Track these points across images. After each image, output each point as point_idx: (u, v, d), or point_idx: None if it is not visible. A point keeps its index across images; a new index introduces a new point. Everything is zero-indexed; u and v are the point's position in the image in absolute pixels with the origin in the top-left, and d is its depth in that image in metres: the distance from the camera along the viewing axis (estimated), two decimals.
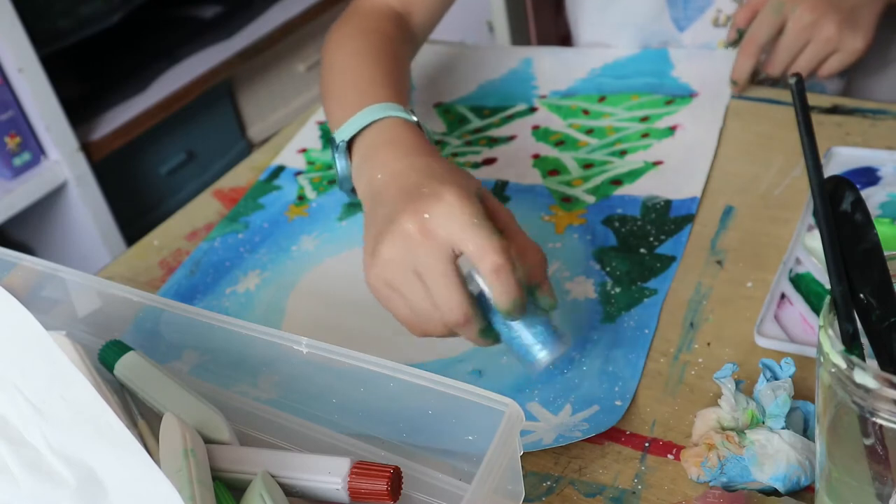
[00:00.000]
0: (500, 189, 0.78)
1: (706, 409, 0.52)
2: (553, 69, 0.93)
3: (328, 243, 0.76)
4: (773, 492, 0.49)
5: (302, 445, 0.54)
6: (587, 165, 0.79)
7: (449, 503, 0.50)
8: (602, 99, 0.87)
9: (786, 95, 0.82)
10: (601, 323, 0.63)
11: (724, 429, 0.51)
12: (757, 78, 0.86)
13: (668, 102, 0.84)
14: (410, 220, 0.54)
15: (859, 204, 0.39)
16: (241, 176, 0.88)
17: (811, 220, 0.66)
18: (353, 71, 0.71)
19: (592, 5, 0.99)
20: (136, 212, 1.62)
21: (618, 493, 0.51)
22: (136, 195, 1.66)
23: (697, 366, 0.58)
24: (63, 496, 0.41)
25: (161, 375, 0.55)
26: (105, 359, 0.57)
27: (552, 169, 0.79)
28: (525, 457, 0.51)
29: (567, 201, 0.75)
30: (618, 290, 0.65)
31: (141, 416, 0.54)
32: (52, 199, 1.47)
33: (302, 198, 0.82)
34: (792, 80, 0.38)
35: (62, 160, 1.43)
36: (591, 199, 0.75)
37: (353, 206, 0.79)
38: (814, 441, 0.49)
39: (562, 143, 0.82)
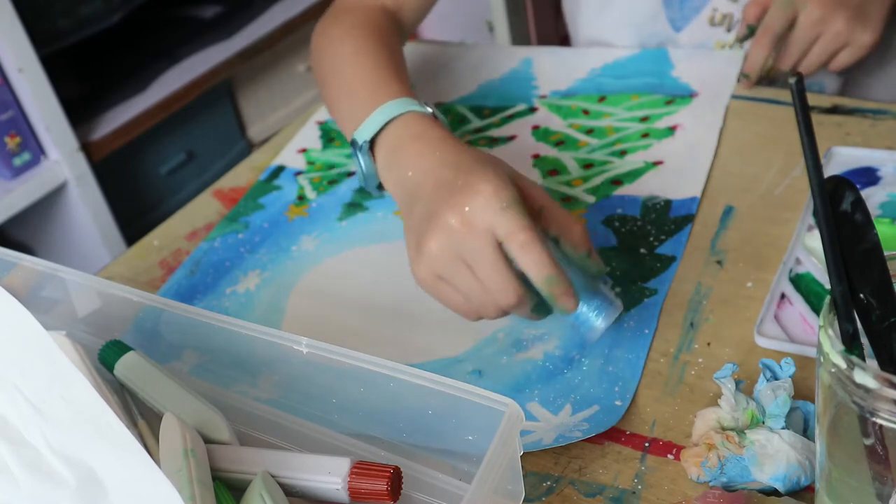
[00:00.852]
0: None
1: (706, 409, 0.52)
2: (553, 69, 0.93)
3: (328, 243, 0.76)
4: (773, 492, 0.49)
5: (302, 445, 0.54)
6: (587, 165, 0.79)
7: (449, 503, 0.50)
8: (602, 99, 0.87)
9: (786, 95, 0.82)
10: None
11: (724, 429, 0.51)
12: (769, 75, 0.86)
13: (668, 102, 0.84)
14: (451, 214, 0.55)
15: (859, 204, 0.39)
16: (241, 176, 0.88)
17: (811, 220, 0.66)
18: (359, 68, 0.72)
19: (590, 5, 0.99)
20: (136, 212, 1.62)
21: (618, 493, 0.51)
22: (136, 195, 1.66)
23: (697, 366, 0.58)
24: (63, 496, 0.41)
25: (161, 375, 0.55)
26: (105, 359, 0.57)
27: (552, 169, 0.79)
28: (525, 457, 0.51)
29: (567, 201, 0.75)
30: (618, 290, 0.65)
31: (141, 416, 0.54)
32: (52, 199, 1.47)
33: (302, 198, 0.82)
34: (792, 80, 0.38)
35: (62, 160, 1.43)
36: (591, 199, 0.75)
37: (353, 207, 0.79)
38: (814, 441, 0.49)
39: (562, 143, 0.82)
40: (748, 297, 0.62)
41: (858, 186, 0.40)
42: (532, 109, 0.88)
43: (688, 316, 0.62)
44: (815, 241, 0.63)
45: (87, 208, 1.48)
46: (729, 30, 0.92)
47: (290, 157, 0.88)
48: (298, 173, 0.86)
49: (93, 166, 1.47)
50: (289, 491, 0.49)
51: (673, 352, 0.60)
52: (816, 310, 0.59)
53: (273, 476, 0.48)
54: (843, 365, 0.38)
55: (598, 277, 0.59)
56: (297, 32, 1.83)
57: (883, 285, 0.40)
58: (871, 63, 0.90)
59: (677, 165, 0.76)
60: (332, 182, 0.83)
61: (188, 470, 0.46)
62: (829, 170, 0.71)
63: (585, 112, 0.86)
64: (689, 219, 0.70)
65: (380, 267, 0.72)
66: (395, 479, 0.48)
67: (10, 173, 1.39)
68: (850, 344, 0.40)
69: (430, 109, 0.66)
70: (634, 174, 0.76)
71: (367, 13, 0.80)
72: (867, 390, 0.37)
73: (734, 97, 0.83)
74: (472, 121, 0.88)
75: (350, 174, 0.84)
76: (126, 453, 0.39)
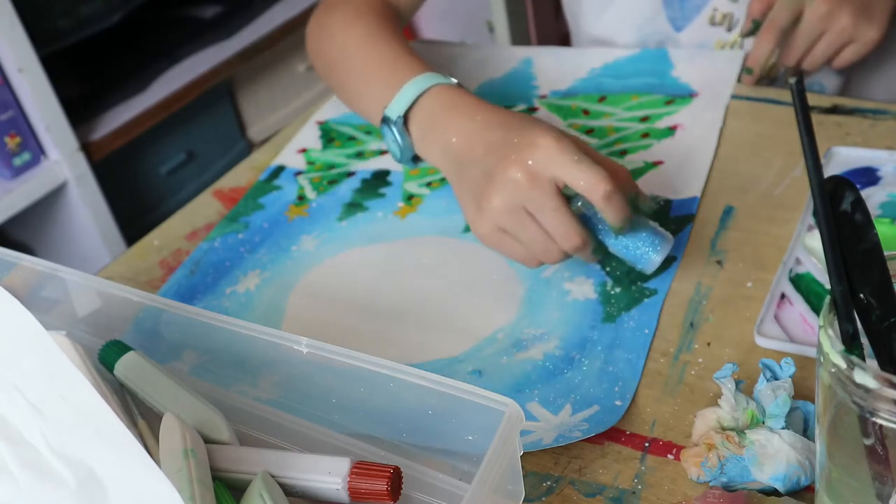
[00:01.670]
0: None
1: (706, 409, 0.52)
2: (553, 69, 0.93)
3: (328, 243, 0.76)
4: (773, 492, 0.49)
5: (302, 445, 0.54)
6: None
7: (449, 503, 0.50)
8: (602, 99, 0.87)
9: (786, 95, 0.82)
10: (601, 323, 0.63)
11: (724, 429, 0.51)
12: (770, 74, 0.86)
13: (668, 102, 0.84)
14: (515, 168, 0.59)
15: (859, 204, 0.39)
16: (241, 176, 0.88)
17: (811, 220, 0.66)
18: (372, 52, 0.75)
19: (591, 5, 0.99)
20: (136, 212, 1.62)
21: (618, 493, 0.51)
22: (136, 195, 1.66)
23: (697, 366, 0.58)
24: (63, 496, 0.41)
25: (161, 375, 0.55)
26: (105, 359, 0.57)
27: None
28: (525, 457, 0.51)
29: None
30: (618, 290, 0.65)
31: (141, 416, 0.54)
32: (52, 199, 1.47)
33: (302, 198, 0.82)
34: (792, 80, 0.38)
35: (62, 160, 1.43)
36: None
37: (353, 207, 0.79)
38: (814, 441, 0.49)
39: None
40: (748, 297, 0.62)
41: (858, 186, 0.40)
42: (532, 109, 0.88)
43: (688, 316, 0.62)
44: (815, 241, 0.63)
45: (87, 208, 1.48)
46: (729, 29, 0.92)
47: (290, 157, 0.88)
48: (298, 173, 0.86)
49: (93, 166, 1.47)
50: (289, 491, 0.49)
51: (673, 352, 0.60)
52: (816, 310, 0.59)
53: (273, 476, 0.48)
54: (843, 365, 0.38)
55: (647, 214, 0.64)
56: (297, 32, 1.83)
57: (883, 285, 0.40)
58: (869, 63, 0.90)
59: (677, 165, 0.76)
60: (332, 182, 0.83)
61: (188, 470, 0.46)
62: (829, 170, 0.71)
63: (585, 112, 0.86)
64: (689, 219, 0.70)
65: (380, 267, 0.72)
66: (395, 479, 0.48)
67: (10, 173, 1.39)
68: (850, 344, 0.40)
69: (454, 80, 0.69)
70: (634, 174, 0.76)
71: (364, 1, 0.82)
72: (867, 390, 0.37)
73: (734, 97, 0.83)
74: None
75: (350, 174, 0.84)
76: (126, 453, 0.39)
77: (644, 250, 0.62)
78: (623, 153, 0.79)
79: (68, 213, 1.50)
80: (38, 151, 1.42)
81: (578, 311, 0.64)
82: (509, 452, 0.45)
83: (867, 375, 0.37)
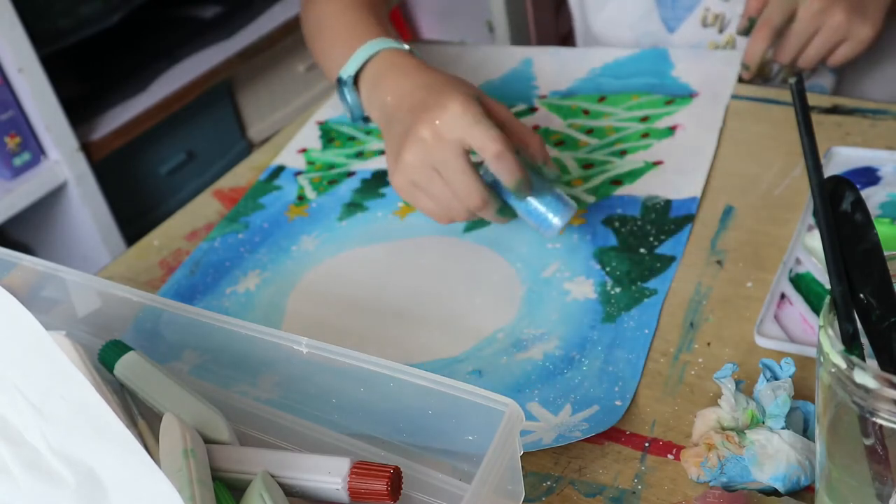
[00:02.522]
0: None
1: (706, 409, 0.52)
2: (553, 69, 0.93)
3: (328, 243, 0.76)
4: (773, 492, 0.49)
5: (302, 445, 0.54)
6: (587, 165, 0.79)
7: (449, 503, 0.50)
8: (602, 99, 0.87)
9: (786, 95, 0.82)
10: (601, 323, 0.63)
11: (724, 429, 0.51)
12: (763, 73, 0.86)
13: (668, 102, 0.84)
14: (424, 128, 0.64)
15: (859, 204, 0.39)
16: (241, 176, 0.88)
17: (811, 220, 0.66)
18: (344, 19, 0.80)
19: (591, 4, 0.99)
20: (136, 212, 1.62)
21: (618, 493, 0.51)
22: (136, 195, 1.66)
23: (697, 366, 0.58)
24: (63, 496, 0.41)
25: (161, 375, 0.55)
26: (105, 359, 0.57)
27: None
28: (525, 457, 0.51)
29: None
30: (618, 290, 0.65)
31: (141, 416, 0.54)
32: (52, 199, 1.47)
33: (302, 198, 0.82)
34: (792, 80, 0.38)
35: (62, 160, 1.43)
36: (591, 199, 0.75)
37: (353, 207, 0.79)
38: (814, 441, 0.49)
39: (562, 143, 0.82)
40: (748, 297, 0.62)
41: (858, 186, 0.40)
42: (532, 109, 0.88)
43: (688, 316, 0.62)
44: (815, 241, 0.63)
45: (87, 208, 1.48)
46: (721, 31, 0.93)
47: (290, 157, 0.88)
48: (298, 173, 0.86)
49: (93, 166, 1.47)
50: (289, 491, 0.49)
51: (673, 352, 0.60)
52: (816, 310, 0.59)
53: (273, 476, 0.48)
54: (843, 365, 0.38)
55: (553, 182, 0.68)
56: (297, 32, 1.82)
57: (883, 285, 0.40)
58: (866, 61, 0.91)
59: (677, 165, 0.76)
60: (332, 182, 0.83)
61: (188, 470, 0.46)
62: (829, 170, 0.71)
63: (585, 112, 0.86)
64: (689, 219, 0.70)
65: (380, 267, 0.72)
66: (395, 479, 0.48)
67: (10, 173, 1.39)
68: (850, 344, 0.40)
69: (406, 46, 0.74)
70: (634, 174, 0.76)
71: None
72: (867, 390, 0.37)
73: (734, 97, 0.83)
74: None
75: (350, 174, 0.84)
76: (126, 453, 0.39)
77: (546, 214, 0.66)
78: (623, 153, 0.79)
79: (68, 213, 1.50)
80: (38, 151, 1.42)
81: (578, 311, 0.64)
82: (509, 452, 0.45)
83: (867, 375, 0.37)
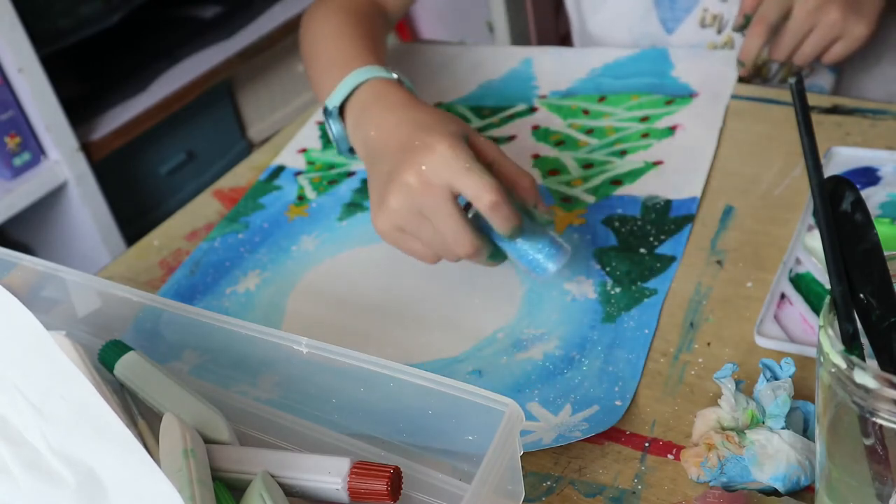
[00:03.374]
0: None
1: (706, 409, 0.52)
2: (553, 69, 0.93)
3: (328, 243, 0.76)
4: (773, 492, 0.49)
5: (302, 445, 0.54)
6: (587, 165, 0.79)
7: (449, 503, 0.50)
8: (602, 99, 0.87)
9: (786, 95, 0.82)
10: (601, 323, 0.63)
11: (724, 429, 0.51)
12: (765, 72, 0.86)
13: (668, 102, 0.84)
14: (409, 172, 0.60)
15: (859, 204, 0.39)
16: (241, 176, 0.88)
17: (811, 220, 0.66)
18: (337, 44, 0.77)
19: (587, 6, 0.99)
20: (136, 212, 1.62)
21: (618, 493, 0.51)
22: (136, 195, 1.65)
23: (697, 366, 0.58)
24: (63, 496, 0.41)
25: (161, 375, 0.55)
26: (105, 359, 0.57)
27: (552, 169, 0.79)
28: (525, 457, 0.51)
29: (567, 201, 0.75)
30: (618, 290, 0.65)
31: (141, 416, 0.54)
32: (52, 199, 1.47)
33: (302, 198, 0.82)
34: (792, 80, 0.38)
35: (62, 160, 1.42)
36: (591, 199, 0.75)
37: (353, 207, 0.79)
38: (814, 441, 0.49)
39: (562, 143, 0.82)
40: (748, 297, 0.62)
41: (858, 186, 0.40)
42: (532, 109, 0.88)
43: (688, 316, 0.62)
44: (815, 241, 0.63)
45: (87, 208, 1.47)
46: (719, 31, 0.93)
47: (290, 157, 0.88)
48: (298, 173, 0.86)
49: (93, 166, 1.47)
50: (289, 491, 0.49)
51: (673, 352, 0.60)
52: (816, 310, 0.59)
53: (273, 476, 0.48)
54: (843, 365, 0.38)
55: (546, 226, 0.64)
56: (297, 32, 1.82)
57: (883, 285, 0.40)
58: (865, 60, 0.91)
59: (677, 165, 0.76)
60: (332, 182, 0.83)
61: (188, 470, 0.46)
62: (829, 170, 0.71)
63: (585, 112, 0.86)
64: (689, 219, 0.70)
65: (380, 267, 0.72)
66: (395, 479, 0.48)
67: (10, 173, 1.39)
68: (850, 344, 0.40)
69: (395, 76, 0.71)
70: (634, 174, 0.76)
71: (354, 1, 0.85)
72: (867, 390, 0.37)
73: (734, 97, 0.83)
74: (472, 121, 0.88)
75: (350, 174, 0.84)
76: (126, 453, 0.39)
77: (539, 259, 0.63)
78: (623, 153, 0.79)
79: (68, 213, 1.50)
80: (38, 151, 1.42)
81: (578, 311, 0.64)
82: (509, 452, 0.45)
83: (867, 375, 0.37)
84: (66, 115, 1.42)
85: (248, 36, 1.75)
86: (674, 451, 0.53)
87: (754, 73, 0.88)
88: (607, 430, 0.55)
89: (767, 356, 0.57)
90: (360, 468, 0.48)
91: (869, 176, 0.70)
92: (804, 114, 0.38)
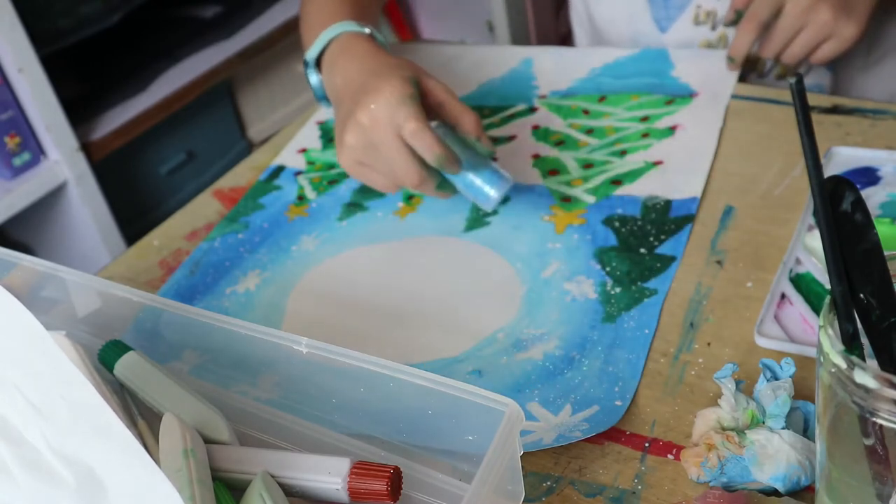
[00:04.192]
0: None
1: (706, 409, 0.52)
2: (553, 69, 0.93)
3: (328, 243, 0.76)
4: (773, 492, 0.49)
5: (302, 445, 0.54)
6: (587, 165, 0.79)
7: (449, 503, 0.50)
8: (602, 99, 0.87)
9: (786, 95, 0.82)
10: (601, 323, 0.63)
11: (724, 429, 0.51)
12: (760, 67, 0.86)
13: (668, 102, 0.84)
14: (362, 112, 0.68)
15: (859, 204, 0.39)
16: (241, 176, 0.88)
17: (811, 220, 0.66)
18: (322, 6, 0.83)
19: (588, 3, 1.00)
20: (136, 212, 1.62)
21: (618, 493, 0.51)
22: (136, 195, 1.65)
23: (697, 366, 0.58)
24: (63, 496, 0.41)
25: (161, 375, 0.55)
26: (105, 359, 0.57)
27: (552, 169, 0.79)
28: (525, 457, 0.51)
29: (567, 201, 0.75)
30: (618, 290, 0.65)
31: (141, 416, 0.54)
32: (52, 199, 1.47)
33: (302, 198, 0.82)
34: (792, 80, 0.38)
35: (62, 160, 1.42)
36: (591, 199, 0.75)
37: (353, 207, 0.79)
38: (814, 441, 0.49)
39: (562, 143, 0.82)
40: (748, 297, 0.62)
41: (858, 186, 0.40)
42: (532, 109, 0.88)
43: (688, 316, 0.62)
44: (815, 241, 0.63)
45: (87, 208, 1.47)
46: (713, 28, 0.93)
47: (290, 157, 0.88)
48: (298, 173, 0.86)
49: (93, 166, 1.47)
50: (289, 491, 0.49)
51: (673, 352, 0.60)
52: (816, 310, 0.59)
53: (273, 476, 0.48)
54: (843, 365, 0.38)
55: (488, 157, 0.71)
56: (297, 32, 1.82)
57: (883, 285, 0.40)
58: (857, 63, 0.91)
59: (677, 165, 0.76)
60: (332, 182, 0.83)
61: (188, 470, 0.46)
62: (829, 170, 0.71)
63: (585, 112, 0.86)
64: (689, 219, 0.70)
65: (380, 267, 0.72)
66: (395, 479, 0.48)
67: (10, 173, 1.39)
68: (850, 344, 0.40)
69: (367, 30, 0.77)
70: (634, 174, 0.76)
71: None
72: (867, 390, 0.37)
73: (734, 97, 0.83)
74: None
75: None
76: (126, 453, 0.39)
77: (483, 188, 0.70)
78: (623, 153, 0.79)
79: (68, 213, 1.50)
80: (38, 151, 1.42)
81: (578, 311, 0.64)
82: (509, 452, 0.45)
83: (867, 375, 0.37)
84: (66, 115, 1.42)
85: (248, 36, 1.75)
86: (674, 451, 0.53)
87: (749, 68, 0.88)
88: (607, 431, 0.55)
89: (767, 356, 0.57)
90: (360, 468, 0.48)
91: (869, 176, 0.70)
92: (804, 114, 0.38)
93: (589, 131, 0.83)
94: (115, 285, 0.59)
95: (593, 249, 0.69)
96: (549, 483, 0.53)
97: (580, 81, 0.90)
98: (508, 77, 0.93)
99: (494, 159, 0.73)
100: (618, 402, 0.57)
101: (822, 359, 0.39)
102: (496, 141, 0.84)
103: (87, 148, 1.47)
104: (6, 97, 1.35)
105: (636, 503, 0.51)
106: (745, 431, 0.50)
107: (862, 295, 0.40)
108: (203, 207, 0.84)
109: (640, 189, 0.74)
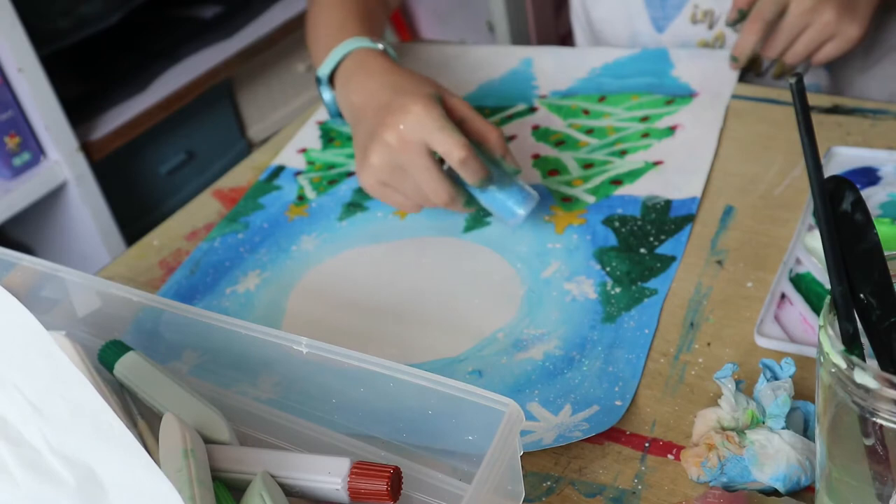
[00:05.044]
0: None
1: (706, 409, 0.52)
2: (553, 69, 0.93)
3: (328, 243, 0.76)
4: (773, 492, 0.49)
5: (302, 445, 0.54)
6: (587, 165, 0.79)
7: (449, 503, 0.50)
8: (602, 99, 0.87)
9: (786, 95, 0.82)
10: (601, 323, 0.63)
11: (724, 429, 0.51)
12: (758, 66, 0.86)
13: (668, 102, 0.84)
14: (388, 132, 0.67)
15: (859, 204, 0.39)
16: (241, 176, 0.88)
17: (811, 220, 0.66)
18: (331, 19, 0.83)
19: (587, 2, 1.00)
20: (136, 212, 1.62)
21: (618, 493, 0.51)
22: (136, 195, 1.65)
23: (697, 366, 0.58)
24: (63, 496, 0.41)
25: (161, 375, 0.55)
26: (105, 359, 0.57)
27: (552, 169, 0.79)
28: (525, 457, 0.51)
29: (567, 201, 0.75)
30: (618, 290, 0.65)
31: (141, 416, 0.54)
32: (52, 199, 1.47)
33: (302, 198, 0.82)
34: (792, 81, 0.38)
35: (62, 160, 1.42)
36: (591, 199, 0.75)
37: (353, 207, 0.79)
38: (814, 441, 0.49)
39: (562, 143, 0.82)
40: (748, 297, 0.62)
41: (858, 186, 0.40)
42: (532, 109, 0.88)
43: (688, 316, 0.62)
44: (815, 241, 0.63)
45: (87, 208, 1.47)
46: (710, 27, 0.93)
47: (290, 157, 0.88)
48: (298, 173, 0.86)
49: (93, 166, 1.47)
50: (289, 491, 0.49)
51: (673, 352, 0.60)
52: (816, 310, 0.59)
53: (273, 476, 0.48)
54: (843, 365, 0.38)
55: (514, 175, 0.71)
56: (297, 32, 1.83)
57: (883, 285, 0.40)
58: (856, 64, 0.91)
59: (677, 165, 0.76)
60: (332, 182, 0.83)
61: (188, 470, 0.46)
62: (829, 170, 0.71)
63: (585, 112, 0.86)
64: (689, 219, 0.70)
65: (380, 267, 0.72)
66: (395, 479, 0.48)
67: (9, 173, 1.39)
68: (850, 344, 0.40)
69: (380, 46, 0.77)
70: (634, 174, 0.76)
71: None
72: (867, 390, 0.37)
73: (734, 97, 0.83)
74: None
75: (350, 174, 0.84)
76: (126, 453, 0.39)
77: (509, 204, 0.70)
78: (623, 153, 0.79)
79: (68, 213, 1.50)
80: (38, 151, 1.42)
81: (578, 311, 0.64)
82: (509, 452, 0.45)
83: (867, 375, 0.37)
84: (66, 115, 1.42)
85: (248, 36, 1.75)
86: (674, 451, 0.53)
87: (747, 67, 0.88)
88: (607, 430, 0.55)
89: (767, 356, 0.57)
90: (360, 468, 0.48)
91: (869, 176, 0.70)
92: (804, 114, 0.38)
93: (589, 131, 0.83)
94: (114, 285, 0.59)
95: (593, 249, 0.69)
96: (549, 483, 0.53)
97: (580, 81, 0.90)
98: (508, 77, 0.93)
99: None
100: (618, 402, 0.57)
101: (822, 359, 0.39)
102: None
103: (87, 148, 1.47)
104: (6, 97, 1.35)
105: (636, 503, 0.51)
106: (746, 431, 0.50)
107: (862, 295, 0.40)
108: (203, 207, 0.84)
109: (641, 189, 0.74)
